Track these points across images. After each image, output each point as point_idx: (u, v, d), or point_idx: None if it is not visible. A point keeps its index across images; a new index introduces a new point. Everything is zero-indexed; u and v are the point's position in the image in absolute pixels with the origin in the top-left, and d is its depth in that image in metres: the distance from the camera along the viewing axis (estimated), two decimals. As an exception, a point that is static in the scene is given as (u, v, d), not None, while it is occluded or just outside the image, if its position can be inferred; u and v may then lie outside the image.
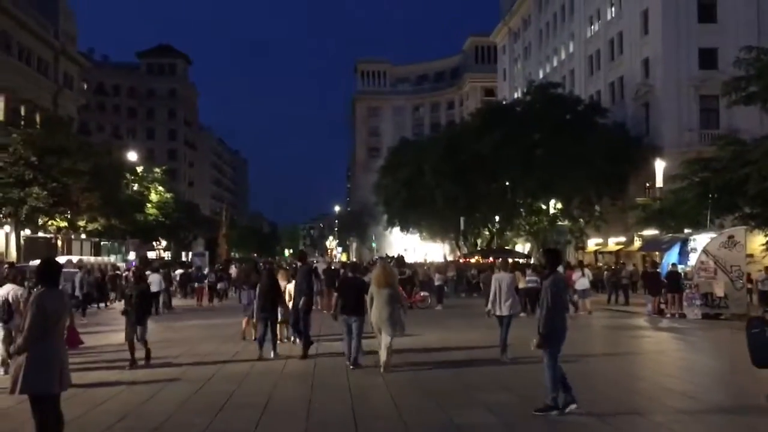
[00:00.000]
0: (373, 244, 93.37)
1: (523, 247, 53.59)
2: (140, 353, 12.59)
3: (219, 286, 32.09)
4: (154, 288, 26.36)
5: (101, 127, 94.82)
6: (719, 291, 21.27)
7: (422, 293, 28.24)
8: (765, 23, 39.55)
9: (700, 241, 22.60)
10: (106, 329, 19.40)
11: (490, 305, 12.66)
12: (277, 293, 13.60)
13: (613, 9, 48.81)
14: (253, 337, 14.78)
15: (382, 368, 11.17)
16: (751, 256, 25.49)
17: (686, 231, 26.58)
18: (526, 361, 11.63)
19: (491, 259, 42.89)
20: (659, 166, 32.07)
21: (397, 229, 64.49)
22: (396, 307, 11.25)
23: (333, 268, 31.14)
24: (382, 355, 11.22)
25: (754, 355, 5.81)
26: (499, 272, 13.19)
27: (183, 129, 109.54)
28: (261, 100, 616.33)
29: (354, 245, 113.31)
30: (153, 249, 67.48)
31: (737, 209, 24.87)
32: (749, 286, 24.61)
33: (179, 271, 36.34)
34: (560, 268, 13.36)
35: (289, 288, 14.65)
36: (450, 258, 61.12)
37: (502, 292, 12.43)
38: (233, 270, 37.85)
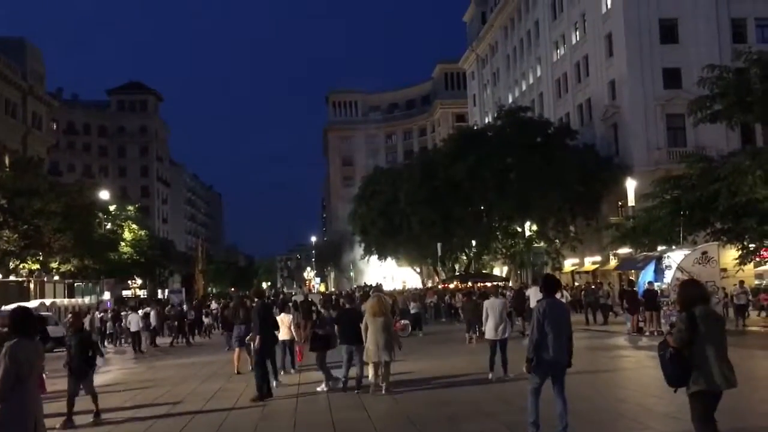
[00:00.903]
0: (351, 274, 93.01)
1: (500, 270, 53.77)
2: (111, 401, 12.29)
3: (206, 321, 31.72)
4: (133, 328, 26.29)
5: (72, 166, 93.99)
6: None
7: (403, 321, 28.13)
8: (725, 42, 40.56)
9: (675, 258, 22.84)
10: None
11: (485, 329, 13.75)
12: (277, 326, 14.23)
13: (577, 33, 49.78)
14: (241, 369, 15.23)
15: (382, 390, 12.05)
16: (724, 270, 25.82)
17: (660, 248, 26.86)
18: (510, 387, 11.58)
19: (469, 283, 42.99)
20: (630, 185, 32.51)
21: (374, 258, 64.37)
22: (390, 334, 12.21)
23: (310, 299, 30.95)
24: (382, 378, 12.21)
25: (664, 377, 5.99)
26: (490, 298, 14.25)
27: (155, 165, 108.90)
28: (233, 134, 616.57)
29: (332, 275, 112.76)
30: (128, 288, 66.59)
31: (709, 225, 25.23)
32: (725, 300, 24.92)
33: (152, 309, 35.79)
34: (561, 294, 13.51)
35: (282, 318, 15.23)
36: (429, 284, 61.09)
37: (495, 317, 13.39)
38: (214, 305, 37.54)
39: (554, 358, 7.81)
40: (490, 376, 13.21)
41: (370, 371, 12.51)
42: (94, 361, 11.63)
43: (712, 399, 5.84)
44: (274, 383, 13.37)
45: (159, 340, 29.10)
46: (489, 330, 13.49)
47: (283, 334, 14.96)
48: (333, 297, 32.57)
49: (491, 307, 13.60)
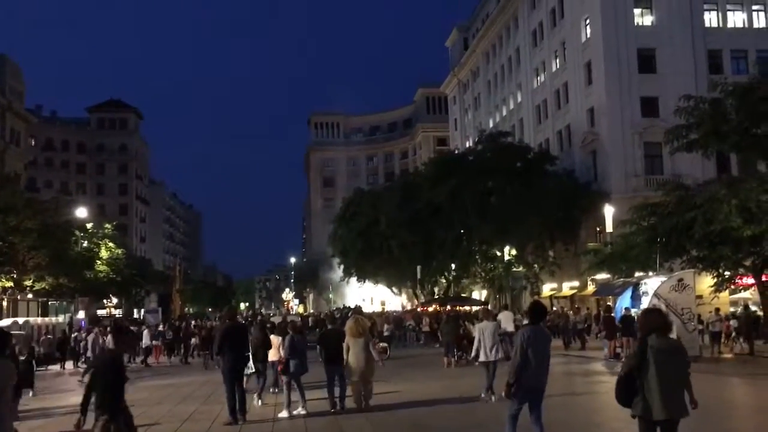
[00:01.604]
0: (330, 295, 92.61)
1: (479, 294, 53.84)
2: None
3: (192, 341, 31.35)
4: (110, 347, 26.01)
5: (49, 183, 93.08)
6: (672, 333, 21.59)
7: (381, 344, 28.06)
8: (701, 72, 41.34)
9: (652, 284, 23.03)
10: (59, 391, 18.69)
11: (475, 352, 14.38)
12: (268, 346, 14.52)
13: (557, 61, 50.51)
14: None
15: (362, 406, 12.78)
16: (700, 297, 26.07)
17: (637, 275, 27.09)
18: (486, 411, 11.53)
19: (448, 307, 42.99)
20: (608, 211, 32.83)
21: (354, 279, 64.21)
22: (369, 353, 12.88)
23: (288, 320, 30.99)
24: (360, 396, 12.87)
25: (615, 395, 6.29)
26: (482, 321, 14.90)
27: (134, 183, 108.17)
28: (214, 154, 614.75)
29: (311, 296, 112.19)
30: (103, 307, 65.67)
31: (685, 252, 25.47)
32: (700, 327, 25.12)
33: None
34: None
35: (273, 340, 15.30)
36: (408, 306, 60.96)
37: (487, 340, 13.95)
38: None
39: (535, 385, 7.84)
40: (482, 395, 13.62)
41: (353, 388, 12.99)
42: (20, 391, 11.09)
43: (649, 425, 6.08)
44: (258, 402, 13.89)
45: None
46: (482, 352, 13.99)
47: (272, 355, 15.02)
48: (308, 319, 32.48)
49: (484, 330, 14.14)
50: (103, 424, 7.54)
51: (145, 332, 29.48)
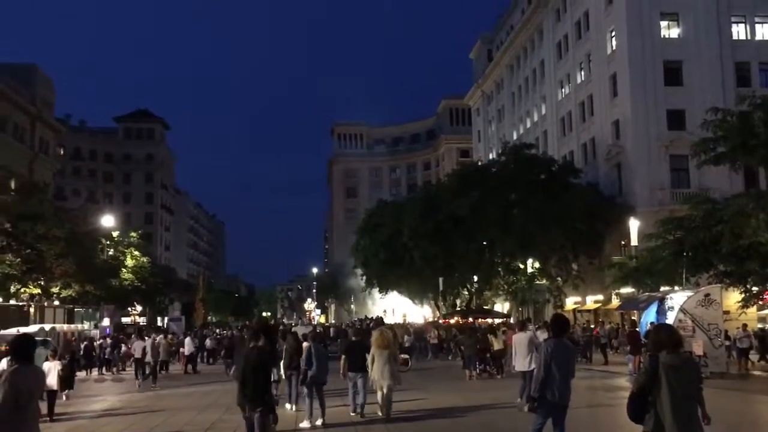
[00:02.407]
0: (352, 306, 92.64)
1: (502, 306, 53.51)
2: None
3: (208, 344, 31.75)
4: (137, 354, 26.66)
5: (77, 192, 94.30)
6: (698, 350, 21.29)
7: (403, 356, 28.00)
8: (729, 85, 40.91)
9: (677, 299, 22.76)
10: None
11: (513, 362, 15.86)
12: (299, 354, 14.63)
13: (582, 73, 50.26)
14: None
15: (384, 415, 13.27)
16: (727, 313, 25.69)
17: (663, 289, 26.78)
18: (507, 424, 11.41)
19: (470, 319, 42.77)
20: (633, 224, 32.52)
21: (375, 290, 64.15)
22: (393, 364, 13.51)
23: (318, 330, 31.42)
24: (384, 405, 13.39)
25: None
26: (516, 332, 16.25)
27: (160, 193, 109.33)
28: (238, 164, 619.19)
29: (333, 307, 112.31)
30: (128, 314, 66.32)
31: (712, 267, 25.16)
32: (727, 343, 24.74)
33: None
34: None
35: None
36: (430, 318, 60.74)
37: (521, 350, 15.22)
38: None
39: (559, 400, 7.76)
40: (518, 400, 14.59)
41: (378, 395, 13.61)
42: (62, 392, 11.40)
43: None
44: (292, 408, 14.49)
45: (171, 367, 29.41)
46: (518, 362, 15.30)
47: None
48: (329, 329, 32.63)
49: (518, 341, 15.39)
50: (260, 417, 8.36)
51: (187, 340, 30.03)
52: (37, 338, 22.50)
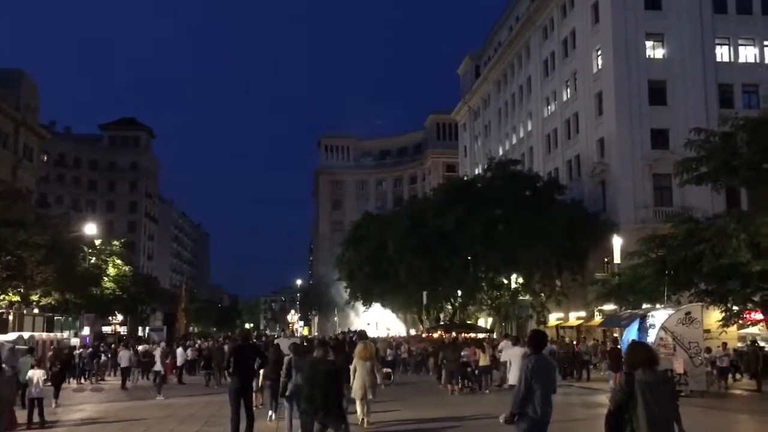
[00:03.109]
0: (336, 318, 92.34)
1: (485, 321, 53.57)
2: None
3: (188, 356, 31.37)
4: (123, 363, 26.66)
5: (60, 199, 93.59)
6: (679, 368, 21.42)
7: (385, 369, 27.91)
8: (712, 106, 41.44)
9: (659, 317, 22.88)
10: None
11: (508, 375, 17.08)
12: (280, 365, 15.13)
13: (568, 90, 50.73)
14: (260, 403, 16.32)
15: (365, 424, 13.80)
16: (708, 331, 25.87)
17: (644, 306, 26.93)
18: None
19: (453, 333, 42.74)
20: (616, 242, 32.72)
21: (359, 303, 64.01)
22: (373, 376, 14.21)
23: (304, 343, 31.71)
24: (363, 414, 13.97)
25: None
26: (511, 347, 17.44)
27: (144, 201, 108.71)
28: (224, 173, 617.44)
29: (316, 319, 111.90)
30: (108, 324, 65.72)
31: (693, 286, 25.36)
32: (707, 356, 24.88)
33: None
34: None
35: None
36: (413, 332, 60.67)
37: (516, 364, 16.03)
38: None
39: (541, 416, 7.72)
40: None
41: (357, 407, 14.07)
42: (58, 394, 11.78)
43: None
44: (272, 417, 14.81)
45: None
46: (513, 376, 16.19)
47: None
48: (309, 342, 32.51)
49: (513, 355, 16.18)
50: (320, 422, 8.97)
51: (179, 350, 29.81)
52: (21, 347, 22.63)
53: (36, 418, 15.26)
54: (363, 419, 14.01)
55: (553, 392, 7.89)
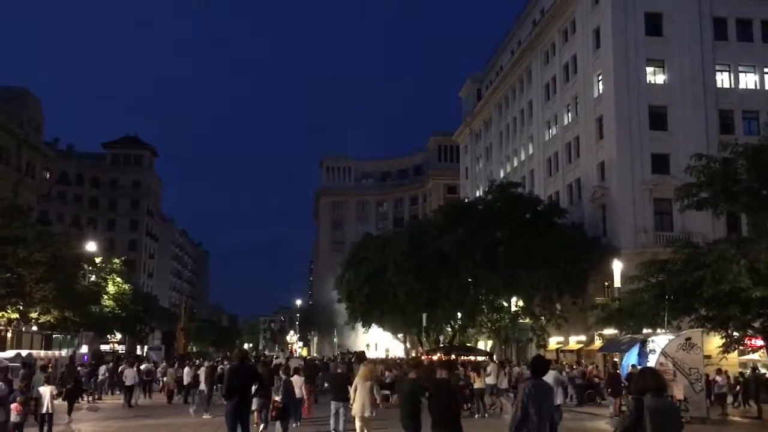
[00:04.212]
0: (335, 339, 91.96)
1: (485, 344, 53.31)
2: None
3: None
4: (128, 382, 27.02)
5: (61, 216, 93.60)
6: (678, 394, 21.31)
7: (384, 391, 27.74)
8: (712, 131, 41.58)
9: (659, 342, 22.83)
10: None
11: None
12: (271, 384, 16.01)
13: (569, 115, 50.95)
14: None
15: None
16: (708, 357, 25.76)
17: (645, 331, 26.82)
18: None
19: (453, 356, 42.54)
20: (617, 266, 32.67)
21: (359, 324, 63.78)
22: (373, 395, 14.54)
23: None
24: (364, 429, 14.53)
25: None
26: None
27: (145, 220, 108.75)
28: (225, 193, 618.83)
29: (315, 339, 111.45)
30: (107, 342, 65.46)
31: (693, 311, 25.26)
32: (706, 388, 24.75)
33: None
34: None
35: (295, 380, 17.94)
36: (412, 354, 60.32)
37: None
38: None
39: None
40: None
41: (357, 424, 14.55)
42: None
43: None
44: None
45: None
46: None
47: (295, 393, 17.39)
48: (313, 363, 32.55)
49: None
50: None
51: (186, 370, 29.61)
52: (27, 362, 23.04)
53: None
54: None
55: (550, 417, 7.85)
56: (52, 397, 16.39)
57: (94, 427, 20.15)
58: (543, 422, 7.74)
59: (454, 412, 9.95)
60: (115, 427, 19.45)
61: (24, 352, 33.65)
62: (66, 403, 20.89)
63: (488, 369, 24.59)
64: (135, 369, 29.45)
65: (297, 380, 18.23)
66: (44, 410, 15.87)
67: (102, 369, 31.92)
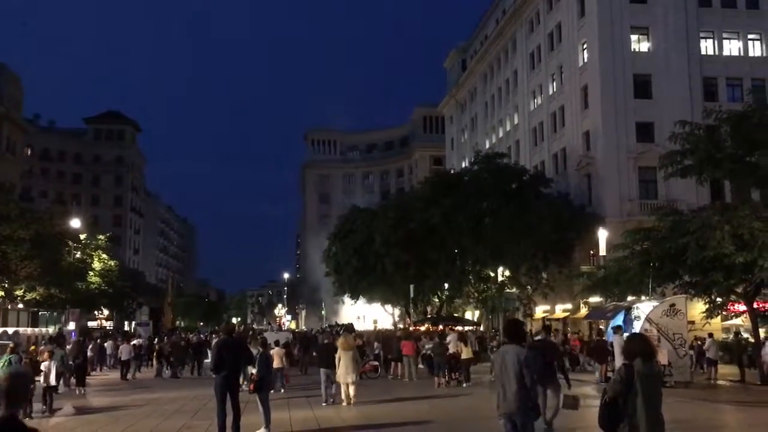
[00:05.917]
0: (323, 312, 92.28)
1: (472, 314, 53.73)
2: None
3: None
4: (124, 356, 28.03)
5: (44, 193, 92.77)
6: (663, 359, 21.60)
7: (372, 362, 27.98)
8: (697, 99, 41.70)
9: (644, 309, 23.06)
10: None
11: None
12: (271, 361, 16.37)
13: (554, 84, 50.85)
14: None
15: (351, 402, 16.55)
16: (692, 323, 26.10)
17: (629, 299, 27.12)
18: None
19: (440, 326, 42.85)
20: (602, 234, 32.90)
21: (347, 297, 63.95)
22: (355, 362, 17.07)
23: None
24: (350, 393, 16.71)
25: (598, 420, 6.31)
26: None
27: (130, 195, 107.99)
28: (210, 167, 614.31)
29: (303, 313, 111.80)
30: (94, 318, 65.31)
31: (678, 278, 25.55)
32: (691, 353, 25.14)
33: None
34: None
35: (276, 351, 20.29)
36: (400, 325, 60.71)
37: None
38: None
39: (505, 410, 7.56)
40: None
41: (342, 388, 16.79)
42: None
43: None
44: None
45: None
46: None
47: (276, 363, 18.83)
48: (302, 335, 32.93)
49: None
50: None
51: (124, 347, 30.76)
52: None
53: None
54: (350, 397, 16.62)
55: (519, 384, 7.52)
56: (59, 374, 17.83)
57: (103, 399, 20.38)
58: (510, 391, 7.52)
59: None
60: (128, 400, 19.74)
61: (10, 330, 33.57)
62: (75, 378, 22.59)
63: (448, 338, 24.70)
64: (130, 345, 30.81)
65: (278, 351, 20.39)
66: (50, 383, 17.19)
67: (90, 345, 32.14)
